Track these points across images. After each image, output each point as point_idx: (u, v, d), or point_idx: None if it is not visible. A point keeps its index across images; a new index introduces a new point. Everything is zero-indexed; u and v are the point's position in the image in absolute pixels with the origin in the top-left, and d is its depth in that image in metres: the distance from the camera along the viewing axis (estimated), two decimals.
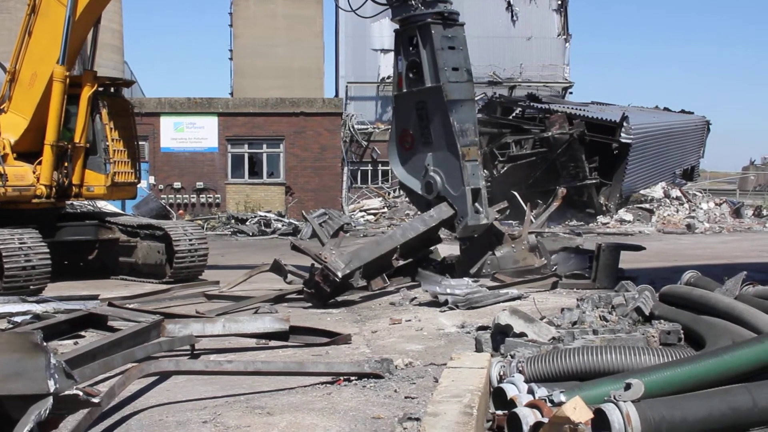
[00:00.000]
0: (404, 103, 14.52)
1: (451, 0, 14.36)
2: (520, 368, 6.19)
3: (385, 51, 46.21)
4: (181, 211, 35.03)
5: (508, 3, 50.63)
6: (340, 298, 12.33)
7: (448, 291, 11.65)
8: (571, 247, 15.05)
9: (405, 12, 14.14)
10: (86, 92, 15.42)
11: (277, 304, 12.12)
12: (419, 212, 14.88)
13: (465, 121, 13.98)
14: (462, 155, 13.74)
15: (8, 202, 14.99)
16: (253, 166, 37.28)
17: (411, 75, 14.25)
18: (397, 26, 14.53)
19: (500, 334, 7.68)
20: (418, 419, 5.59)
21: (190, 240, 15.50)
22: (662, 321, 8.03)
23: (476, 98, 48.51)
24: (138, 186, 17.10)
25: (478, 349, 7.78)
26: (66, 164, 15.36)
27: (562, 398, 5.19)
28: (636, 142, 31.95)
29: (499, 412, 5.41)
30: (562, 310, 8.97)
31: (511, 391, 5.43)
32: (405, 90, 14.39)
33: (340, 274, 11.84)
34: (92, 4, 14.90)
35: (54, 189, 15.25)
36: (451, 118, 13.74)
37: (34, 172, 15.12)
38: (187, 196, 36.19)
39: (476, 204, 13.93)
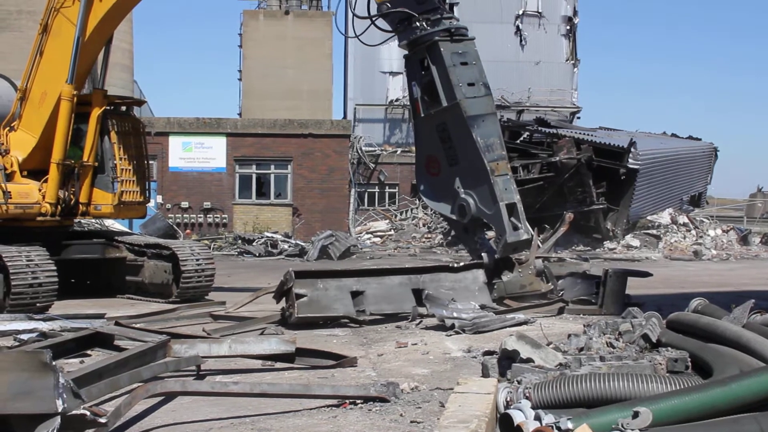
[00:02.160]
0: (424, 128, 14.19)
1: (458, 16, 14.20)
2: (527, 394, 6.17)
3: (393, 73, 46.40)
4: (188, 231, 35.08)
5: (517, 28, 50.84)
6: (345, 320, 12.29)
7: (455, 315, 11.63)
8: (578, 273, 14.99)
9: (411, 35, 13.85)
10: (95, 111, 15.48)
11: (283, 325, 12.11)
12: (457, 236, 14.52)
13: (489, 136, 13.56)
14: (491, 171, 13.32)
15: (12, 219, 15.02)
16: (261, 186, 37.36)
17: (426, 98, 13.97)
18: (406, 51, 14.35)
19: (507, 359, 7.64)
20: None
21: (197, 260, 15.49)
22: (669, 348, 7.99)
23: None
24: (147, 205, 17.12)
25: (485, 374, 7.74)
26: (73, 182, 15.41)
27: (570, 425, 5.17)
28: (643, 167, 31.95)
29: None
30: (569, 335, 8.94)
31: (518, 417, 5.41)
32: (423, 115, 14.08)
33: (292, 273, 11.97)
34: (102, 24, 14.98)
35: (59, 207, 15.28)
36: (474, 134, 13.35)
37: (40, 190, 15.17)
38: (194, 215, 36.27)
39: (512, 219, 13.52)
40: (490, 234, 14.43)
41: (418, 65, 14.04)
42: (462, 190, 13.71)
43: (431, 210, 35.70)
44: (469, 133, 13.37)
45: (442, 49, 13.50)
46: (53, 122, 15.02)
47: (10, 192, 14.86)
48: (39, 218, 15.21)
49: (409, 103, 15.58)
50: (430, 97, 13.90)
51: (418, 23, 13.64)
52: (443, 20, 13.69)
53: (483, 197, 13.48)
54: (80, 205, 15.63)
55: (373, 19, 14.24)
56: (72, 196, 15.45)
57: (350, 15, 14.79)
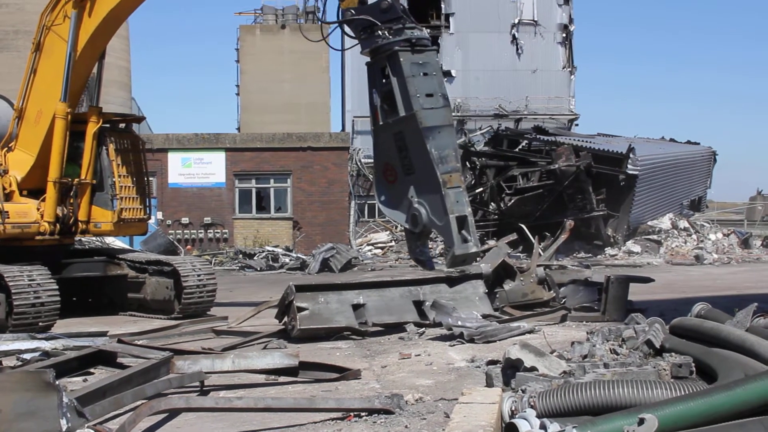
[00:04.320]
0: (382, 136, 14.11)
1: (421, 27, 14.16)
2: (532, 403, 6.16)
3: None
4: (189, 247, 35.07)
5: (513, 36, 50.95)
6: (347, 332, 12.28)
7: (459, 324, 11.64)
8: (580, 280, 15.00)
9: (373, 43, 13.87)
10: (91, 128, 15.46)
11: (286, 339, 12.10)
12: (408, 246, 14.50)
13: (444, 148, 13.44)
14: (443, 183, 13.21)
15: (11, 239, 15.00)
16: (261, 200, 37.36)
17: (386, 106, 13.92)
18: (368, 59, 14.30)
19: (511, 368, 7.64)
20: None
21: (199, 275, 15.47)
22: (673, 354, 7.99)
23: (483, 131, 48.18)
24: (148, 222, 17.10)
25: (489, 383, 7.74)
26: (72, 201, 15.40)
27: None
28: (643, 173, 31.96)
29: None
30: (573, 343, 8.94)
31: (523, 426, 5.40)
32: (381, 123, 14.07)
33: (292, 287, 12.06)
34: (93, 40, 14.95)
35: (58, 226, 15.26)
36: (428, 145, 13.30)
37: (38, 209, 15.15)
38: (194, 231, 36.24)
39: (463, 232, 13.43)
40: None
41: (379, 73, 13.95)
42: (415, 199, 13.61)
43: None
44: (423, 144, 13.31)
45: (401, 59, 13.42)
46: (50, 141, 15.02)
47: (7, 212, 14.84)
48: (38, 237, 15.19)
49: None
50: (390, 105, 13.84)
51: (380, 32, 13.60)
52: (405, 30, 13.61)
53: (435, 208, 13.34)
54: (79, 223, 15.61)
55: (335, 24, 14.29)
56: (71, 215, 15.43)
57: (338, 24, 14.73)
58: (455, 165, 13.45)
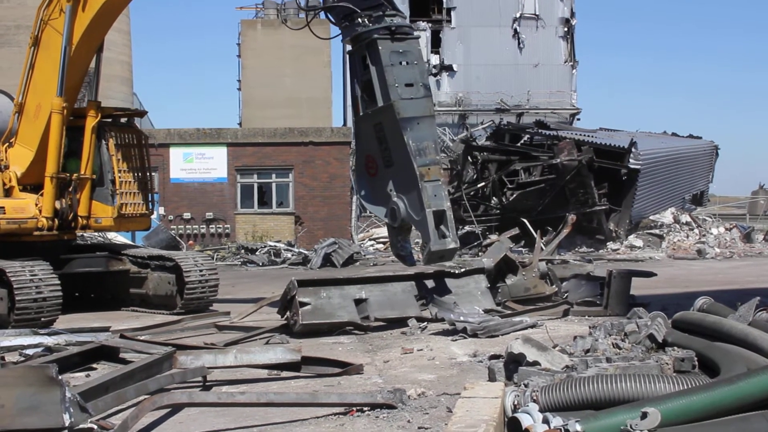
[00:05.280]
0: (363, 128, 13.76)
1: (404, 14, 13.88)
2: (535, 397, 6.16)
3: None
4: (191, 242, 35.04)
5: (515, 31, 50.92)
6: (350, 327, 12.28)
7: (462, 319, 11.64)
8: (582, 274, 14.98)
9: (353, 31, 13.60)
10: (90, 123, 15.42)
11: (288, 334, 12.10)
12: (389, 241, 14.19)
13: (423, 140, 13.03)
14: (420, 176, 12.82)
15: (8, 234, 14.95)
16: (263, 195, 37.32)
17: (366, 96, 13.62)
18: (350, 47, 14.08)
19: (513, 362, 7.65)
20: None
21: (201, 271, 15.47)
22: (676, 348, 8.00)
23: (484, 125, 48.03)
24: (151, 217, 17.07)
25: (492, 378, 7.75)
26: (71, 196, 15.36)
27: (578, 428, 5.17)
28: (645, 167, 31.94)
29: None
30: (575, 338, 8.94)
31: (526, 420, 5.41)
32: (361, 113, 13.78)
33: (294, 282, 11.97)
34: (88, 33, 14.87)
35: (57, 221, 15.23)
36: (405, 137, 12.92)
37: (36, 204, 15.11)
38: (196, 226, 36.22)
39: (441, 227, 13.12)
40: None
41: (359, 62, 13.65)
42: (394, 193, 13.32)
43: None
44: (401, 136, 13.01)
45: (380, 48, 13.08)
46: (48, 136, 14.98)
47: (3, 207, 14.80)
48: (36, 233, 15.13)
49: None
50: (369, 95, 13.56)
51: (360, 20, 13.33)
52: (385, 17, 13.32)
53: (412, 202, 13.01)
54: (80, 219, 15.58)
55: (317, 11, 14.12)
56: (70, 210, 15.39)
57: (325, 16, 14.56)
58: (434, 157, 13.11)
